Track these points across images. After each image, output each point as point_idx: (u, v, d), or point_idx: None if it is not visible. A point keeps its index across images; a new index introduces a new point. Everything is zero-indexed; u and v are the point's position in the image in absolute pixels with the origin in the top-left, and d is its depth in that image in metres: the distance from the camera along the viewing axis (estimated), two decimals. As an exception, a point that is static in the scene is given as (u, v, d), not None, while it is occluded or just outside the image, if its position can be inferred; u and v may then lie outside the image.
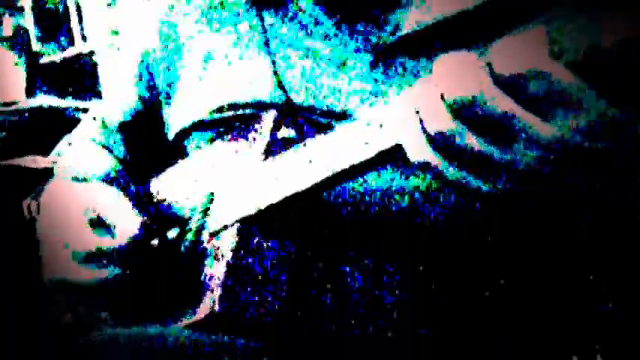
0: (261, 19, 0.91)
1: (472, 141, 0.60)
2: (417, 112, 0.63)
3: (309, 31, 0.88)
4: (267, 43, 0.89)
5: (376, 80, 0.83)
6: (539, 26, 0.59)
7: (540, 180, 0.60)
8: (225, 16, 0.94)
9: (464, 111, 0.60)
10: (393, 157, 0.67)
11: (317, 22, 0.87)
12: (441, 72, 0.62)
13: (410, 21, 0.83)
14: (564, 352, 0.81)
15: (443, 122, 0.61)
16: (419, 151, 0.63)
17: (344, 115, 0.82)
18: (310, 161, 0.74)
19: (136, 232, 0.85)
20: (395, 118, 0.66)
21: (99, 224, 0.86)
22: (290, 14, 0.90)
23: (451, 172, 0.62)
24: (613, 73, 0.58)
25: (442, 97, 0.61)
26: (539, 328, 0.81)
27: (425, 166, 0.63)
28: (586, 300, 0.81)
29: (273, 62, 0.88)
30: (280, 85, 0.86)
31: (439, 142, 0.62)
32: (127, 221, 0.86)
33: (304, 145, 0.76)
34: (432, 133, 0.62)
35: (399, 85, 0.81)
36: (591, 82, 0.59)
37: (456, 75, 0.60)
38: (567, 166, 0.60)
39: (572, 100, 0.58)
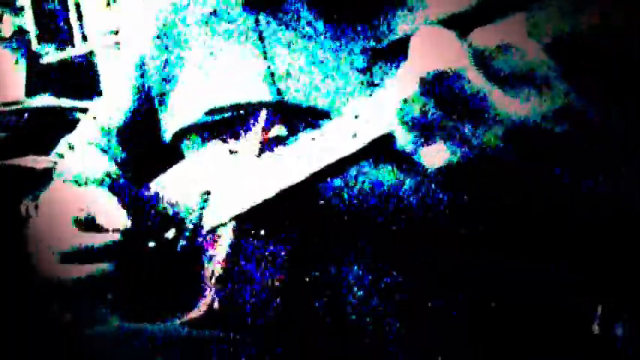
0: (257, 22, 0.91)
1: (438, 114, 0.60)
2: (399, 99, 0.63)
3: (303, 33, 0.88)
4: (262, 45, 0.90)
5: (369, 82, 0.83)
6: (520, 13, 0.60)
7: (504, 159, 0.60)
8: (221, 18, 0.95)
9: (435, 85, 0.60)
10: (382, 147, 0.68)
11: (312, 25, 0.88)
12: (416, 46, 0.62)
13: (404, 24, 0.83)
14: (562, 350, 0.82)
15: (411, 96, 0.61)
16: (403, 138, 0.63)
17: (336, 115, 0.83)
18: (301, 156, 0.75)
19: (125, 230, 0.85)
20: (379, 109, 0.67)
21: (88, 224, 0.87)
22: (285, 16, 0.90)
23: (419, 151, 0.62)
24: (588, 60, 0.59)
25: (415, 71, 0.61)
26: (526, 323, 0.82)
27: (402, 156, 0.63)
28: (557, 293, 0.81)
29: (268, 64, 0.88)
30: (275, 86, 0.87)
31: (408, 117, 0.62)
32: (117, 220, 0.86)
33: (296, 141, 0.77)
34: (403, 110, 0.62)
35: None
36: (564, 66, 0.59)
37: (431, 48, 0.60)
38: (528, 146, 0.60)
39: (542, 80, 0.59)
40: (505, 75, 0.59)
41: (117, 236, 0.85)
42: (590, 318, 0.85)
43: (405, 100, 0.61)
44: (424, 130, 0.61)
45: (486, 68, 0.60)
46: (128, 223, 0.86)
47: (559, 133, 0.59)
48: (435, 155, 0.61)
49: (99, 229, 0.86)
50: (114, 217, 0.86)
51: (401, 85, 0.62)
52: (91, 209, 0.87)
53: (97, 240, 0.85)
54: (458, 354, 0.81)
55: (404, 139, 0.63)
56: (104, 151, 1.06)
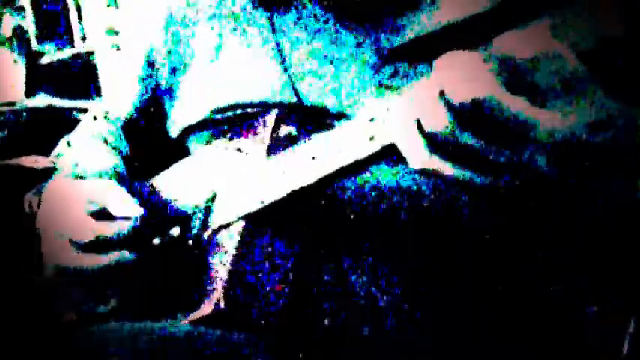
0: (270, 19, 0.91)
1: (470, 141, 0.60)
2: (417, 120, 0.62)
3: (317, 32, 0.88)
4: (276, 44, 0.89)
5: (381, 82, 0.83)
6: (543, 19, 0.59)
7: (545, 178, 0.60)
8: (232, 15, 0.94)
9: (465, 111, 0.59)
10: (396, 152, 0.67)
11: (325, 24, 0.88)
12: (442, 70, 0.61)
13: (416, 25, 0.83)
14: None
15: (440, 122, 0.60)
16: (417, 153, 0.63)
17: (347, 115, 0.82)
18: (313, 157, 0.75)
19: (139, 217, 0.85)
20: (395, 117, 0.66)
21: (101, 215, 0.87)
22: (297, 15, 0.90)
23: (451, 172, 0.61)
24: (616, 66, 0.58)
25: (441, 94, 0.60)
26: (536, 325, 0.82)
27: (423, 170, 0.63)
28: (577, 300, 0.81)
29: (281, 62, 0.88)
30: (287, 85, 0.86)
31: (436, 141, 0.61)
32: (129, 209, 0.86)
33: (307, 142, 0.76)
34: (430, 133, 0.61)
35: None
36: (595, 72, 0.58)
37: (458, 73, 0.59)
38: (573, 161, 0.59)
39: (581, 89, 0.58)
40: (547, 86, 0.58)
41: (131, 224, 0.85)
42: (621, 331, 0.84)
43: (437, 134, 0.60)
44: (455, 156, 0.60)
45: (520, 81, 0.58)
46: (141, 211, 0.86)
47: (602, 142, 0.58)
48: (471, 179, 0.60)
49: (112, 218, 0.86)
50: (125, 206, 0.86)
51: (421, 106, 0.62)
52: (101, 199, 0.87)
53: (112, 229, 0.85)
54: (462, 355, 0.81)
55: (426, 157, 0.62)
56: (109, 145, 1.06)
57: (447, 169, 0.61)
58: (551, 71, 0.58)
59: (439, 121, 0.60)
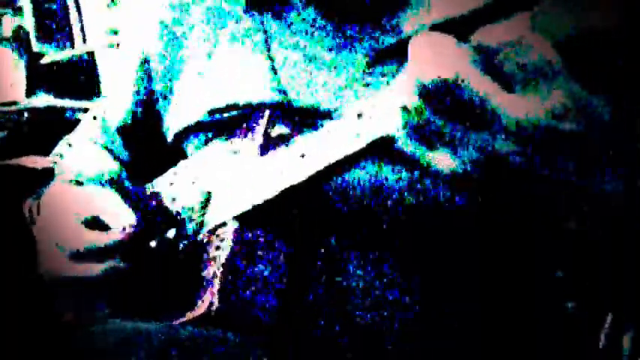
0: (262, 21, 0.91)
1: (438, 121, 0.60)
2: (401, 106, 0.62)
3: (308, 33, 0.88)
4: (266, 45, 0.90)
5: (373, 82, 0.83)
6: (524, 12, 0.59)
7: (510, 162, 0.60)
8: (225, 17, 0.95)
9: (436, 93, 0.59)
10: (384, 147, 0.68)
11: (315, 25, 0.88)
12: (415, 53, 0.61)
13: (409, 23, 0.83)
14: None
15: (412, 105, 0.61)
16: (400, 138, 0.63)
17: (337, 115, 0.83)
18: (303, 155, 0.75)
19: (132, 228, 0.86)
20: (381, 109, 0.67)
21: (94, 224, 0.87)
22: (289, 16, 0.90)
23: (424, 156, 0.61)
24: (594, 57, 0.58)
25: (412, 73, 0.60)
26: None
27: (404, 156, 0.63)
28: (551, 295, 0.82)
29: (273, 63, 0.88)
30: (278, 85, 0.87)
31: (410, 128, 0.61)
32: (122, 218, 0.87)
33: (297, 140, 0.77)
34: (406, 116, 0.61)
35: None
36: (571, 63, 0.58)
37: (430, 56, 0.60)
38: (537, 149, 0.59)
39: (553, 77, 0.58)
40: (514, 73, 0.59)
41: (124, 234, 0.86)
42: (598, 327, 0.85)
43: (405, 108, 0.61)
44: (426, 137, 0.61)
45: (493, 68, 0.59)
46: (134, 221, 0.86)
47: (569, 131, 0.59)
48: (440, 162, 0.61)
49: (106, 227, 0.87)
50: (120, 215, 0.87)
51: (401, 90, 0.62)
52: (96, 208, 0.87)
53: (105, 238, 0.86)
54: (461, 355, 0.81)
55: (406, 145, 0.62)
56: (106, 149, 1.06)
57: (418, 153, 0.61)
58: (521, 59, 0.58)
59: (410, 100, 0.61)
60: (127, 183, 0.99)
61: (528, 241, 0.81)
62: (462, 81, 0.58)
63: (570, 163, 0.60)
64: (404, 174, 0.79)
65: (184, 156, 0.96)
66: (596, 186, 0.61)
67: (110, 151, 1.06)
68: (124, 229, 0.86)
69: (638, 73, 0.59)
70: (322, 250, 0.81)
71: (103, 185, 0.97)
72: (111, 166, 1.03)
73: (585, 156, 0.60)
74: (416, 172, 0.78)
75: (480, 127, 0.59)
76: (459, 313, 0.81)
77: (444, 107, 0.60)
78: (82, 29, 3.17)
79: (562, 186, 0.61)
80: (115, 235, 0.86)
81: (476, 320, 0.82)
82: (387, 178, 0.80)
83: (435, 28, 0.80)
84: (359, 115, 0.70)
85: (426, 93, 0.60)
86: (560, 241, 0.74)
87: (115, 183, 0.97)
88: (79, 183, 0.96)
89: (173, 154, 0.97)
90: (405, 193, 0.79)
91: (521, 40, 0.58)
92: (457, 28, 0.78)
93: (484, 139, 0.59)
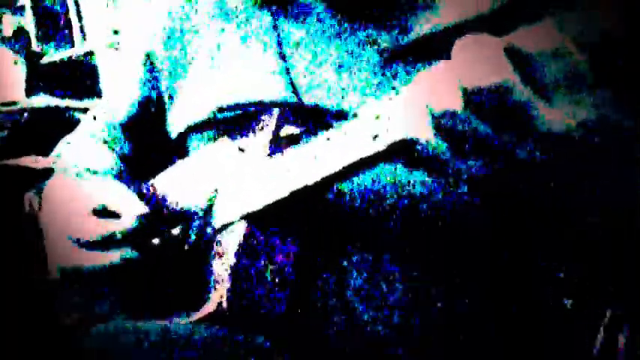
0: (274, 20, 0.91)
1: (479, 127, 0.60)
2: (427, 105, 0.62)
3: (320, 32, 0.88)
4: (278, 43, 0.89)
5: (385, 82, 0.83)
6: (546, 19, 0.59)
7: (540, 167, 0.60)
8: (233, 15, 0.94)
9: (477, 97, 0.59)
10: (403, 150, 0.67)
11: (328, 23, 0.88)
12: (461, 52, 0.60)
13: (420, 24, 0.83)
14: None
15: (453, 104, 0.60)
16: (423, 134, 0.62)
17: (349, 115, 0.82)
18: (315, 157, 0.74)
19: (143, 214, 0.86)
20: (403, 110, 0.66)
21: (104, 213, 0.87)
22: (301, 15, 0.90)
23: (454, 160, 0.61)
24: (617, 63, 0.58)
25: (459, 82, 0.60)
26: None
27: (431, 158, 0.62)
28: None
29: (284, 62, 0.88)
30: (290, 84, 0.86)
31: (446, 127, 0.61)
32: (132, 207, 0.86)
33: (309, 141, 0.76)
34: (441, 120, 0.61)
35: None
36: (597, 71, 0.58)
37: (477, 56, 0.59)
38: (566, 158, 0.59)
39: (582, 87, 0.58)
40: (550, 82, 0.58)
41: (134, 222, 0.85)
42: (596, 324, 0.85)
43: (447, 113, 0.60)
44: (460, 140, 0.61)
45: (528, 74, 0.58)
46: (144, 209, 0.86)
47: (597, 143, 0.58)
48: (472, 166, 0.60)
49: (116, 216, 0.86)
50: (130, 203, 0.87)
51: (435, 90, 0.61)
52: (104, 197, 0.87)
53: (117, 226, 0.85)
54: (461, 354, 0.81)
55: (435, 147, 0.62)
56: (109, 146, 1.06)
57: (446, 152, 0.61)
58: (559, 68, 0.58)
59: (451, 103, 0.60)
60: (128, 179, 0.99)
61: (528, 242, 0.81)
62: (510, 87, 0.58)
63: (596, 171, 0.60)
64: (421, 176, 0.78)
65: (187, 154, 0.96)
66: (615, 194, 0.62)
67: (113, 148, 1.06)
68: (134, 216, 0.86)
69: None
70: (330, 250, 0.81)
71: (104, 178, 0.97)
72: (113, 163, 1.03)
73: (611, 166, 0.60)
74: (433, 175, 0.78)
75: (521, 133, 0.59)
76: (459, 313, 0.81)
77: (486, 112, 0.59)
78: (82, 29, 3.17)
79: (586, 193, 0.62)
80: (126, 223, 0.86)
81: (476, 319, 0.82)
82: (395, 178, 0.79)
83: (450, 29, 0.80)
84: (377, 117, 0.69)
85: (471, 96, 0.59)
86: (560, 240, 0.74)
87: (117, 179, 0.97)
88: (80, 176, 0.96)
89: (176, 151, 0.97)
90: (420, 196, 0.79)
91: (558, 49, 0.58)
92: (469, 28, 0.78)
93: (524, 145, 0.59)
